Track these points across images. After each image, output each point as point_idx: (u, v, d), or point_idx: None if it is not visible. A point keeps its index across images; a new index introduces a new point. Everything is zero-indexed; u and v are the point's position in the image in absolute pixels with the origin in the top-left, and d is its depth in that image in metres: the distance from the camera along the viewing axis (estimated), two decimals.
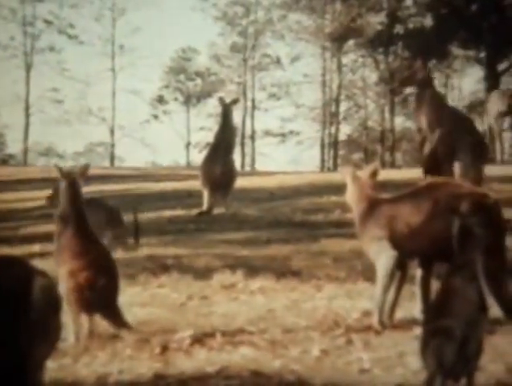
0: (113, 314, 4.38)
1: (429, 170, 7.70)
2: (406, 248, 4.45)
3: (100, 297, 4.34)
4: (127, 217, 7.49)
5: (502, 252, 4.45)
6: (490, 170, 8.50)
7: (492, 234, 4.20)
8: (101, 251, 4.53)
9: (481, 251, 3.38)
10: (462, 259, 3.35)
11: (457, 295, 3.23)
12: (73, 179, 4.63)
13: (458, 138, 7.57)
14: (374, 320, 4.43)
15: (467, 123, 8.03)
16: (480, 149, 7.73)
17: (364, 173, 4.68)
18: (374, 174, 4.67)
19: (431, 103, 7.70)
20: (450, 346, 3.10)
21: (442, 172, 7.55)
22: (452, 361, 3.10)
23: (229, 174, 9.27)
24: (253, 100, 32.55)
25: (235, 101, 10.24)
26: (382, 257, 4.43)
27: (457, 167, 7.49)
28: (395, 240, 4.43)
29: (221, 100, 9.87)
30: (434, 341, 3.14)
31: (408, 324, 4.39)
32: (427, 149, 7.70)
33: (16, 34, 31.88)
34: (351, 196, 4.64)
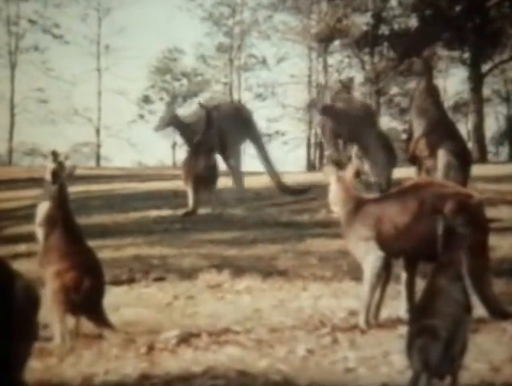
0: (98, 316, 4.37)
1: (413, 158, 7.79)
2: (392, 248, 4.46)
3: (85, 298, 4.33)
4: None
5: (486, 251, 4.49)
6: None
7: (475, 234, 4.25)
8: (87, 252, 4.52)
9: (465, 250, 3.41)
10: (447, 259, 3.37)
11: (442, 295, 3.25)
12: (62, 181, 4.62)
13: (442, 138, 7.64)
14: (361, 320, 4.44)
15: (451, 126, 8.09)
16: (464, 154, 7.80)
17: (347, 173, 4.67)
18: (357, 173, 4.67)
19: (424, 92, 7.73)
20: (435, 345, 3.12)
21: (423, 163, 7.66)
22: (437, 360, 3.12)
23: (212, 171, 9.35)
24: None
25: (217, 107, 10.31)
26: (370, 258, 4.44)
27: (440, 168, 7.54)
28: (382, 241, 4.44)
29: (202, 105, 9.93)
30: (419, 340, 3.16)
31: (393, 323, 4.41)
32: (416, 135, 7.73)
33: (0, 34, 31.72)
34: (336, 196, 4.61)
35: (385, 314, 4.54)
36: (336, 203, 4.61)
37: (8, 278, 2.92)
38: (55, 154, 4.67)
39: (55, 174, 4.62)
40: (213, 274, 5.96)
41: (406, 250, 4.47)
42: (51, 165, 4.64)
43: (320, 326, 4.48)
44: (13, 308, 2.85)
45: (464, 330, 3.21)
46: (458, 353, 3.18)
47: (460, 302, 3.26)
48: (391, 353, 3.81)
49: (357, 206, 4.53)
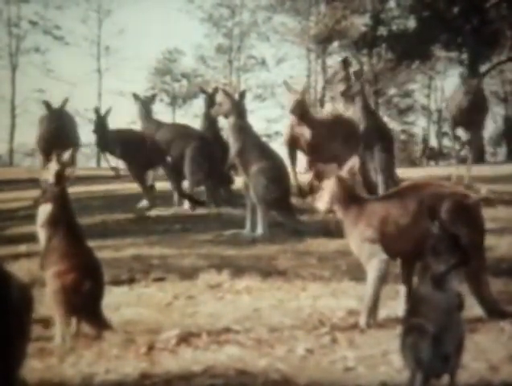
0: (96, 319, 4.39)
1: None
2: (393, 249, 4.46)
3: (85, 300, 4.33)
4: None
5: (482, 251, 4.51)
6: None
7: (472, 234, 4.27)
8: (88, 253, 4.52)
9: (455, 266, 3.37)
10: (437, 272, 3.36)
11: (428, 303, 3.26)
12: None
13: None
14: (362, 321, 4.44)
15: None
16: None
17: (344, 171, 4.60)
18: (353, 172, 4.61)
19: None
20: (424, 341, 3.16)
21: None
22: (427, 356, 3.15)
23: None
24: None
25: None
26: (375, 261, 4.42)
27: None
28: (384, 241, 4.45)
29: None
30: (409, 339, 3.21)
31: (392, 323, 4.42)
32: None
33: (1, 35, 31.80)
34: (337, 197, 4.57)
35: (384, 313, 4.56)
36: (335, 204, 4.57)
37: (4, 278, 2.94)
38: (58, 156, 4.64)
39: (59, 176, 4.60)
40: (213, 274, 5.97)
41: (405, 250, 4.48)
42: (54, 166, 4.61)
43: (319, 325, 4.50)
44: (9, 308, 2.87)
45: (455, 329, 3.22)
46: (452, 352, 3.19)
47: (447, 311, 3.26)
48: (390, 352, 3.83)
49: (361, 206, 4.52)
